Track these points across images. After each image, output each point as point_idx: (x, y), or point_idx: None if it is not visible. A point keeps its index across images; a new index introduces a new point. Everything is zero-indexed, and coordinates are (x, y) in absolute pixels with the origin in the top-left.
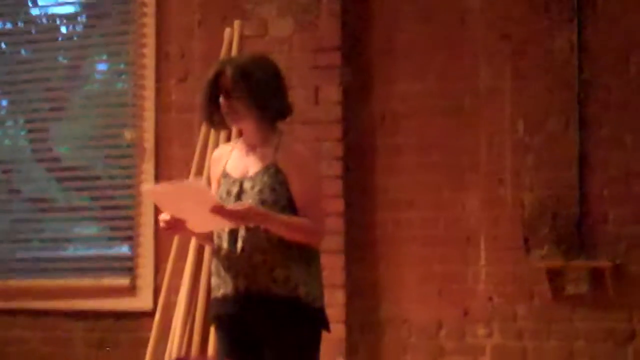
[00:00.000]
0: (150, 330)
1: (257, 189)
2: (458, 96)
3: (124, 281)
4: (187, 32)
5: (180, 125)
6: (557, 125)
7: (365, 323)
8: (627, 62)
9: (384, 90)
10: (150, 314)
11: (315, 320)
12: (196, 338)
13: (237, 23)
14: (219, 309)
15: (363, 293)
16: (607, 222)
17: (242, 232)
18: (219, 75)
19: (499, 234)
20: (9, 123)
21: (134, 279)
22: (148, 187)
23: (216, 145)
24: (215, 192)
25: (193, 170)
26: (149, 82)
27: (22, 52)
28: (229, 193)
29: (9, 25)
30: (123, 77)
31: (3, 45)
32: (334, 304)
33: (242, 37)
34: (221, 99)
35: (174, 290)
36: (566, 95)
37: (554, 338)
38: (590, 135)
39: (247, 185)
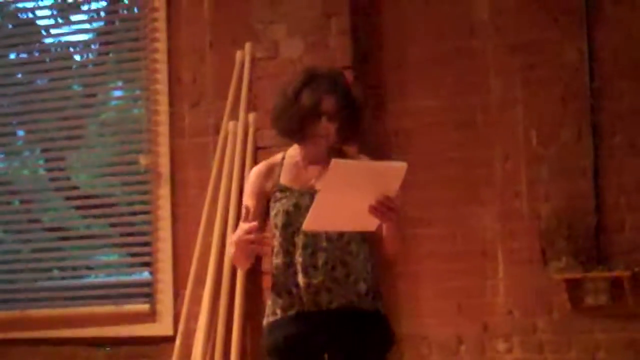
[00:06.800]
0: (170, 356)
1: None
2: (470, 110)
3: (144, 307)
4: (198, 56)
5: (195, 149)
6: (570, 135)
7: None
8: (638, 69)
9: (397, 106)
10: (171, 340)
11: (393, 333)
12: None
13: (248, 45)
14: (290, 329)
15: None
16: (624, 230)
17: (323, 244)
18: (323, 98)
19: (516, 247)
20: (26, 153)
21: (154, 304)
22: (340, 160)
23: (231, 167)
24: (255, 208)
25: (209, 193)
26: (163, 107)
27: (37, 81)
28: (297, 206)
29: (23, 55)
30: (138, 103)
31: (18, 75)
32: None
33: (253, 59)
34: (324, 122)
35: (193, 316)
36: (578, 105)
37: (575, 350)
38: (603, 143)
39: None
